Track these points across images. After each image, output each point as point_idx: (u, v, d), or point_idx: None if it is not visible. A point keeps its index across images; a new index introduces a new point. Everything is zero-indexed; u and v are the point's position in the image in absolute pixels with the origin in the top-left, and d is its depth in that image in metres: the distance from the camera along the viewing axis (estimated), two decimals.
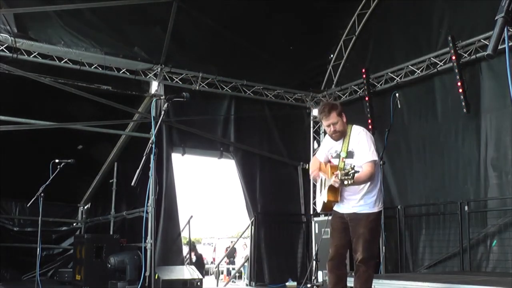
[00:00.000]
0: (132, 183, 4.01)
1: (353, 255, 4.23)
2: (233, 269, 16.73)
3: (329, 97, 10.31)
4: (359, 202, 4.13)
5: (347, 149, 4.16)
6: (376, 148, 4.20)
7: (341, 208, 4.23)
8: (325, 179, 4.20)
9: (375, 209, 4.16)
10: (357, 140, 4.16)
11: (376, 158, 4.13)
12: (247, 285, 9.57)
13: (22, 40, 7.53)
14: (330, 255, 4.27)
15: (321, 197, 4.28)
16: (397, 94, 7.42)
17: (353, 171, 3.71)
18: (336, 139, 4.25)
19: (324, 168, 4.24)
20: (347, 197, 4.15)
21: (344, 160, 4.11)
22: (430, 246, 8.05)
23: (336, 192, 4.10)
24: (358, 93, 9.58)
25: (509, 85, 1.78)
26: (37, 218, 6.69)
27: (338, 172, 3.84)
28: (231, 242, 21.18)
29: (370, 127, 9.02)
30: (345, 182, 3.75)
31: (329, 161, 4.31)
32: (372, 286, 4.24)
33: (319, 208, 4.41)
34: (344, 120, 4.23)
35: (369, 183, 4.11)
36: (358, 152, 4.12)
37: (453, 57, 7.59)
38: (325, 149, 4.42)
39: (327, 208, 4.30)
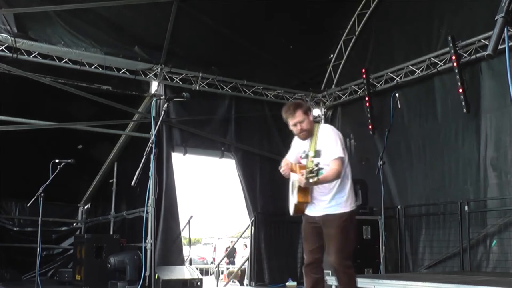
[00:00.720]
0: (132, 183, 4.01)
1: (327, 258, 4.06)
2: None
3: (329, 97, 10.32)
4: (330, 202, 4.03)
5: (315, 148, 4.07)
6: (344, 146, 4.11)
7: (313, 211, 4.13)
8: (295, 180, 4.09)
9: (347, 208, 4.06)
10: (324, 138, 4.08)
11: (343, 155, 4.02)
12: (247, 285, 9.56)
13: (22, 40, 7.53)
14: (305, 261, 4.18)
15: (292, 200, 4.17)
16: (397, 94, 7.42)
17: (317, 168, 3.64)
18: (304, 138, 4.17)
19: (294, 169, 4.10)
20: (318, 197, 4.06)
21: (313, 160, 4.00)
22: (430, 246, 8.05)
23: (305, 192, 4.01)
24: (358, 93, 9.57)
25: (509, 85, 1.79)
26: (37, 218, 6.68)
27: (304, 171, 3.75)
28: (231, 242, 21.17)
29: (370, 127, 9.04)
30: (311, 180, 3.66)
31: (299, 162, 4.20)
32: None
33: (291, 212, 4.24)
34: (311, 118, 4.16)
35: (339, 182, 4.02)
36: (325, 150, 4.04)
37: (453, 57, 7.58)
38: (294, 151, 4.33)
39: (299, 210, 4.16)
